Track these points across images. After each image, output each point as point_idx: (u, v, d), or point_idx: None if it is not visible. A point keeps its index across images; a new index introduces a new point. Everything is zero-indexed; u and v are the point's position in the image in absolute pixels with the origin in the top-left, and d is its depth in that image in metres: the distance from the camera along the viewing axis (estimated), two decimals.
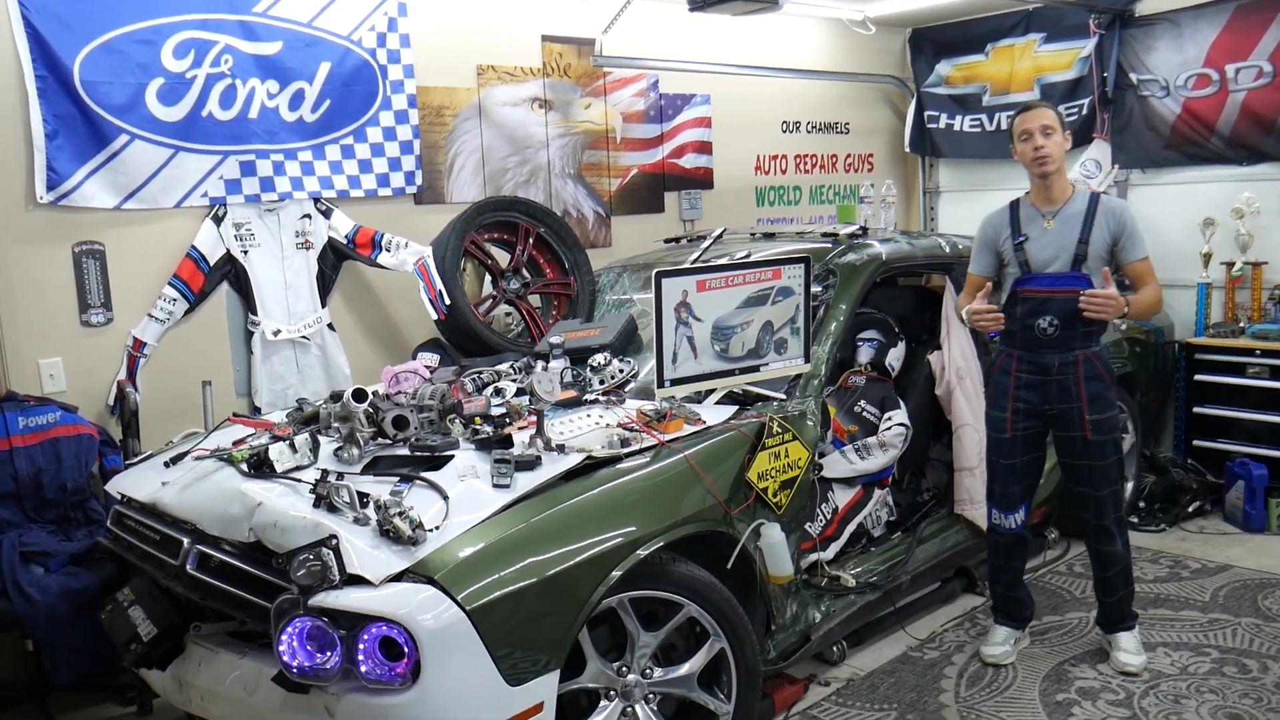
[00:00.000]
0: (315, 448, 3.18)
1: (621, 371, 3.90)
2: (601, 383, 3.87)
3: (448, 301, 4.40)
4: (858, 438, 4.38)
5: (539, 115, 5.60)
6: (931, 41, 7.26)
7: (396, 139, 5.06)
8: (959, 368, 4.57)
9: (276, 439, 3.28)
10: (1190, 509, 5.55)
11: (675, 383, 3.53)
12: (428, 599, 2.51)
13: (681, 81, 6.19)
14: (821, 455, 4.11)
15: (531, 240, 4.83)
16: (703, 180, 6.38)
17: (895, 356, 4.68)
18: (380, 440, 3.22)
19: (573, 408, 3.48)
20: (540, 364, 4.01)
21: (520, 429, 3.29)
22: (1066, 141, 3.74)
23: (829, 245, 4.36)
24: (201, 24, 4.48)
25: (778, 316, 3.72)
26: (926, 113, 7.27)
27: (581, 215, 5.82)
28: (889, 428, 4.40)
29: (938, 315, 4.76)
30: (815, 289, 4.04)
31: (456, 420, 3.32)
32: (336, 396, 3.38)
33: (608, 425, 3.32)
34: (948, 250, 4.69)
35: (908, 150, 7.40)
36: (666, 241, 5.23)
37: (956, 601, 4.55)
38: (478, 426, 3.27)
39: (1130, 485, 5.48)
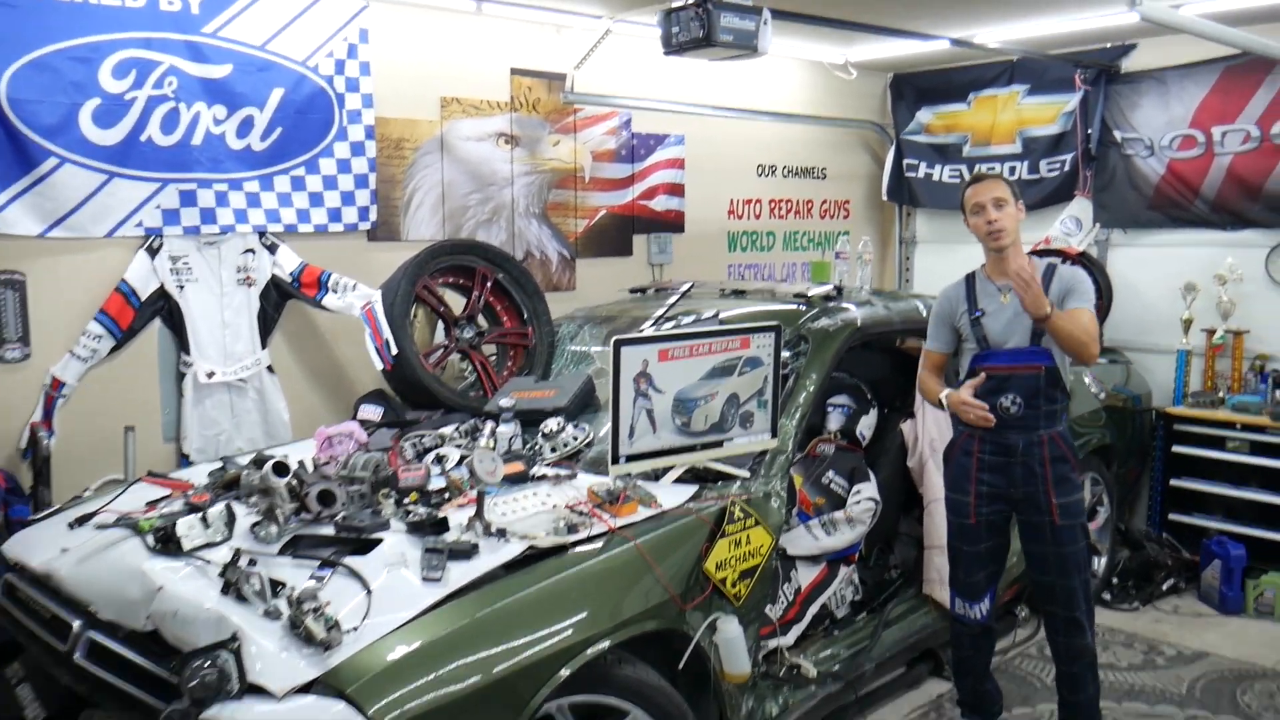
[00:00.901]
0: (230, 521, 2.90)
1: (575, 439, 3.64)
2: (554, 450, 3.61)
3: (394, 351, 4.12)
4: (824, 511, 4.14)
5: (504, 151, 5.34)
6: (913, 88, 7.09)
7: (351, 172, 4.79)
8: (932, 439, 4.34)
9: (191, 508, 3.00)
10: (1165, 587, 5.35)
11: (632, 459, 3.28)
12: (336, 718, 2.23)
13: (655, 121, 5.96)
14: (785, 528, 3.87)
15: (489, 286, 4.56)
16: (674, 223, 6.15)
17: (866, 424, 4.46)
18: (304, 515, 2.93)
19: (519, 484, 3.21)
20: (490, 425, 3.74)
21: (460, 507, 3.02)
22: (1020, 212, 3.57)
23: (801, 308, 4.13)
24: (145, 43, 4.19)
25: (744, 388, 3.47)
26: (906, 160, 7.09)
27: (545, 257, 5.56)
28: (858, 502, 4.16)
29: (912, 380, 4.54)
30: (784, 354, 3.82)
31: (391, 495, 3.04)
32: (260, 462, 3.10)
33: (555, 506, 3.06)
34: (925, 314, 4.46)
35: (885, 198, 7.21)
36: (632, 291, 4.99)
37: (922, 687, 4.30)
38: (411, 505, 2.99)
39: (1104, 560, 5.28)
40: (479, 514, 2.86)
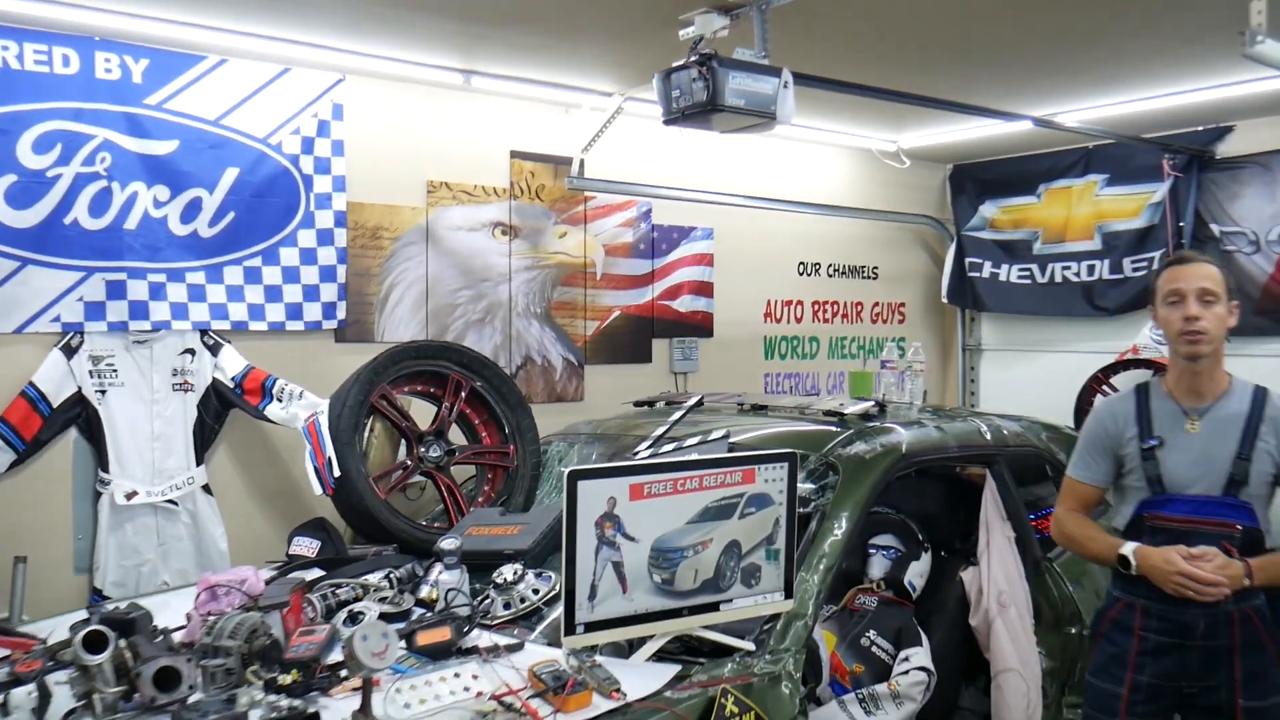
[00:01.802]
0: (43, 705, 2.16)
1: (536, 593, 2.86)
2: (506, 607, 2.83)
3: (337, 472, 3.41)
4: (864, 681, 3.28)
5: (501, 243, 4.71)
6: (975, 180, 6.37)
7: (317, 263, 4.18)
8: (1001, 592, 3.48)
9: (14, 679, 2.29)
10: None
11: (594, 628, 2.48)
12: None
13: (679, 212, 5.30)
14: (811, 706, 3.02)
15: (464, 396, 3.85)
16: (700, 327, 5.43)
17: (917, 572, 3.60)
18: (137, 700, 2.19)
19: (440, 659, 2.43)
20: (439, 569, 2.99)
21: (356, 690, 2.25)
22: (1231, 316, 2.69)
23: (833, 429, 3.34)
24: (75, 114, 3.67)
25: (748, 534, 2.68)
26: (968, 259, 6.32)
27: (548, 363, 4.86)
28: (906, 672, 3.29)
29: (974, 516, 3.68)
30: (806, 488, 3.02)
31: (262, 674, 2.28)
32: (106, 621, 2.37)
33: (478, 695, 2.27)
34: (989, 437, 3.65)
35: (945, 300, 6.43)
36: (637, 405, 4.24)
37: None
38: (287, 686, 2.23)
39: None
40: (364, 709, 2.09)
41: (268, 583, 2.77)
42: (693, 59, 3.18)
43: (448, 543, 2.93)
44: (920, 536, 3.64)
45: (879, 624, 3.43)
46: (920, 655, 3.34)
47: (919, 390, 4.03)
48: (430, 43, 4.02)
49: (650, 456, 3.41)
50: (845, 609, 3.52)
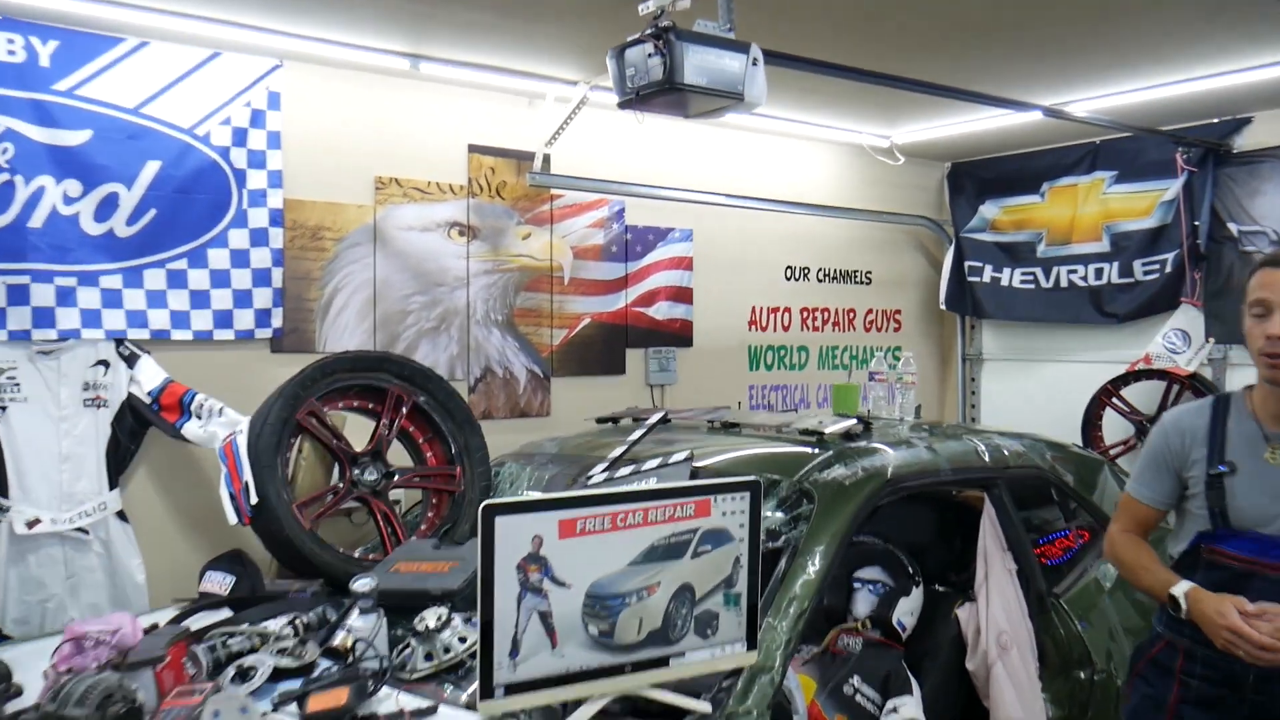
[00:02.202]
0: None
1: (463, 642, 2.48)
2: (428, 659, 2.45)
3: (255, 499, 3.04)
4: None
5: (458, 245, 4.34)
6: (974, 178, 6.00)
7: (249, 266, 3.81)
8: (1001, 631, 3.10)
9: None
10: None
11: (516, 690, 2.10)
12: None
13: (655, 212, 4.93)
14: None
15: (405, 412, 3.48)
16: (679, 335, 5.05)
17: (907, 609, 3.21)
18: None
19: None
20: (357, 613, 2.61)
21: None
22: None
23: (810, 450, 2.96)
24: None
25: (703, 577, 2.29)
26: (967, 263, 5.94)
27: (510, 375, 4.48)
28: None
29: (971, 545, 3.30)
30: (776, 519, 2.65)
31: None
32: None
33: None
34: (987, 458, 3.26)
35: (943, 307, 6.04)
36: (601, 421, 3.86)
37: None
38: None
39: None
40: None
41: (146, 632, 2.39)
42: (648, 33, 2.81)
43: (361, 583, 2.55)
44: (910, 569, 3.26)
45: (864, 669, 3.06)
46: (910, 705, 2.96)
47: (910, 405, 3.65)
48: (373, 23, 3.66)
49: (605, 481, 3.04)
50: (826, 651, 3.15)
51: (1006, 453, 3.33)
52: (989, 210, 5.91)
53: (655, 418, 3.37)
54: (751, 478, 2.33)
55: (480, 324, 4.39)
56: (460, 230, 4.34)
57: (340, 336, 4.03)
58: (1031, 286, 5.72)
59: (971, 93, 3.98)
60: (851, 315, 5.86)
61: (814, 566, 2.60)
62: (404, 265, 4.19)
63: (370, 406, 3.51)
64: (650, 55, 2.83)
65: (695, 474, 2.94)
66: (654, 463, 3.04)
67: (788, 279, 5.55)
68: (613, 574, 2.20)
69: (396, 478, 3.47)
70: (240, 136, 3.78)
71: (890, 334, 6.05)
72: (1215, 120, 4.96)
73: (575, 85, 4.25)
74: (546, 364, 4.60)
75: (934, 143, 5.57)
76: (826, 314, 5.73)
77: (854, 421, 3.14)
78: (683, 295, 5.05)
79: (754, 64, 2.95)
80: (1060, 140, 5.52)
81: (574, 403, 4.63)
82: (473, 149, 4.37)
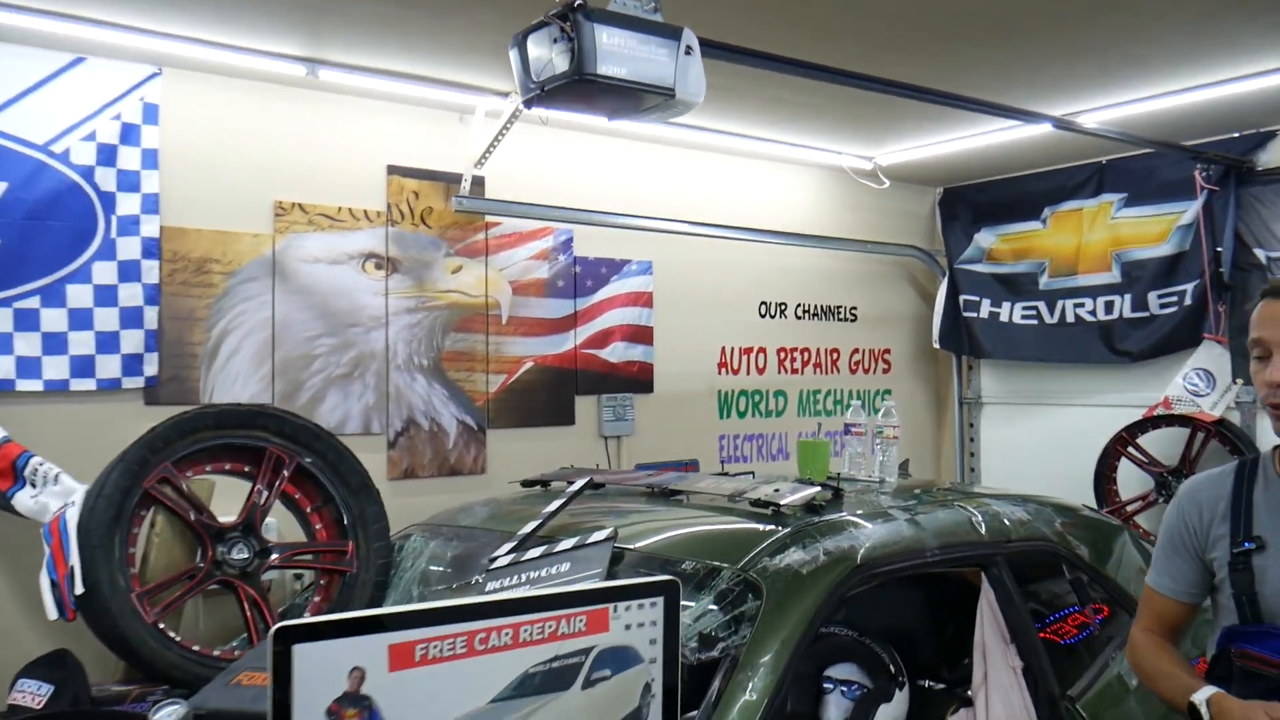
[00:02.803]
0: None
1: None
2: None
3: (80, 588, 2.47)
4: None
5: (374, 279, 3.79)
6: (969, 204, 5.46)
7: (117, 304, 3.26)
8: None
9: None
10: None
11: None
12: None
13: (608, 241, 4.38)
14: None
15: (287, 475, 2.91)
16: (636, 380, 4.48)
17: (890, 716, 2.61)
18: None
19: None
20: None
21: None
22: None
23: (763, 527, 2.38)
24: None
25: (600, 713, 1.71)
26: (963, 297, 5.38)
27: (438, 428, 3.91)
28: None
29: (967, 631, 2.71)
30: (714, 619, 2.08)
31: None
32: None
33: None
34: (983, 531, 2.68)
35: (937, 346, 5.47)
36: (526, 484, 3.27)
37: None
38: None
39: None
40: None
41: None
42: (552, 13, 2.27)
43: (164, 712, 1.96)
44: (892, 667, 2.66)
45: None
46: None
47: (893, 463, 3.07)
48: (264, 22, 3.13)
49: (504, 568, 2.46)
50: None
51: (1007, 522, 2.75)
52: (985, 239, 5.36)
53: (578, 485, 2.78)
54: (665, 578, 1.75)
55: (402, 369, 3.83)
56: (377, 263, 3.79)
57: (231, 385, 3.47)
58: (1034, 322, 5.15)
59: (969, 100, 3.42)
60: (835, 356, 5.29)
61: (759, 683, 2.01)
62: (309, 303, 3.64)
63: (247, 470, 2.95)
64: (556, 40, 2.29)
65: (618, 558, 2.36)
66: (570, 542, 2.46)
67: (762, 316, 4.99)
68: (473, 713, 1.62)
69: (274, 556, 2.90)
70: (108, 154, 3.24)
71: (879, 376, 5.48)
72: (1236, 134, 4.42)
73: (507, 97, 3.72)
74: (481, 414, 4.03)
75: (922, 164, 5.03)
76: (807, 354, 5.17)
77: (817, 489, 2.56)
78: (641, 335, 4.49)
79: (687, 53, 2.41)
80: (1063, 160, 4.98)
81: (514, 458, 4.06)
82: (393, 170, 3.84)
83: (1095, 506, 4.15)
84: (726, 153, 4.74)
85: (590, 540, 2.39)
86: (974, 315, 5.34)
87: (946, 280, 5.43)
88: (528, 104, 2.44)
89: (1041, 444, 5.18)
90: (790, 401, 5.08)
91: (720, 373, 4.82)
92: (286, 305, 3.59)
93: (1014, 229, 5.25)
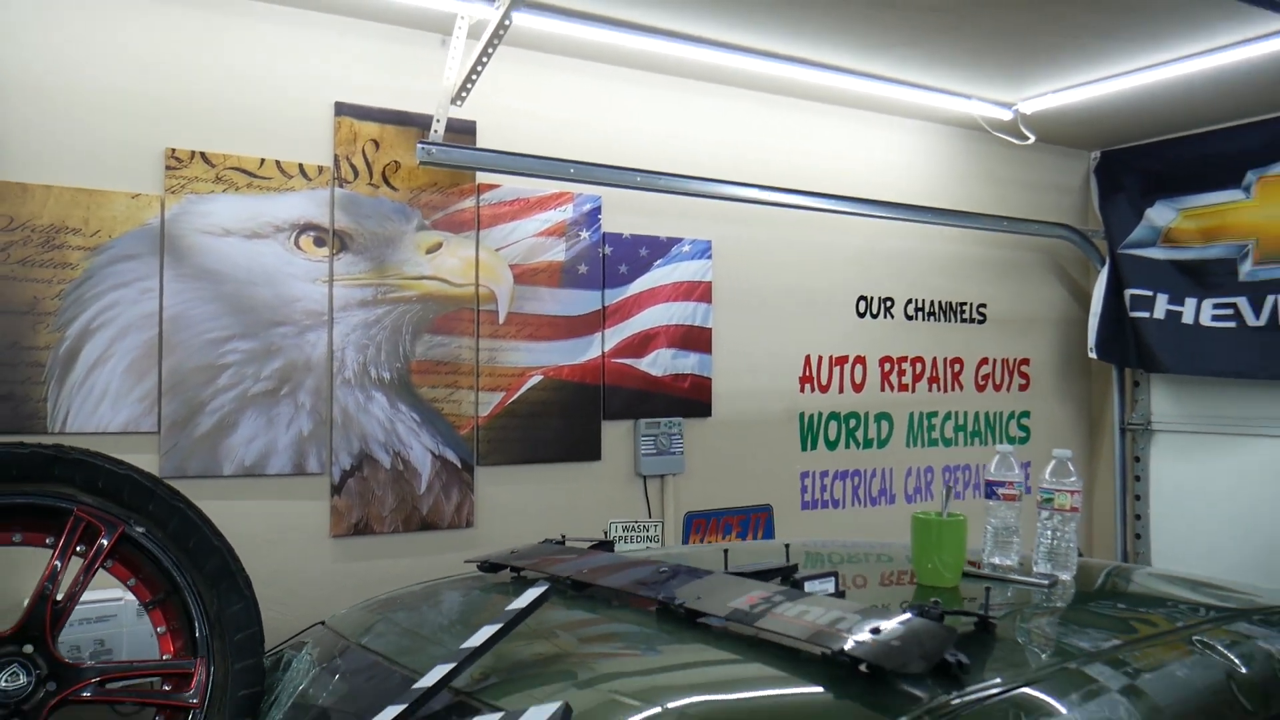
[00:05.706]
0: None
1: None
2: None
3: None
4: None
5: (315, 261, 2.74)
6: (1137, 170, 4.17)
7: None
8: None
9: None
10: None
11: None
12: None
13: (650, 214, 3.26)
14: None
15: (106, 552, 1.86)
16: (688, 400, 3.34)
17: None
18: None
19: None
20: None
21: None
22: None
23: (833, 698, 1.22)
24: None
25: None
26: (1128, 291, 4.09)
27: (404, 465, 2.84)
28: None
29: None
30: None
31: None
32: None
33: None
34: (1248, 699, 1.46)
35: (1093, 355, 4.18)
36: (483, 568, 2.15)
37: None
38: None
39: None
40: None
41: None
42: None
43: None
44: None
45: None
46: None
47: (1070, 551, 1.86)
48: None
49: None
50: None
51: None
52: (1161, 215, 4.06)
53: (533, 596, 1.63)
54: None
55: (352, 385, 2.77)
56: (317, 237, 2.74)
57: (94, 408, 2.46)
58: (1232, 325, 3.84)
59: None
60: (958, 368, 4.06)
61: None
62: (215, 292, 2.60)
63: (48, 542, 1.91)
64: None
65: None
66: (495, 718, 1.33)
67: (861, 315, 3.80)
68: None
69: (72, 683, 1.84)
70: None
71: (1013, 394, 4.22)
72: None
73: (493, 3, 2.63)
74: (467, 447, 2.94)
75: (1076, 114, 3.78)
76: (920, 366, 3.95)
77: (941, 627, 1.37)
78: (695, 339, 3.35)
79: None
80: (1275, 109, 3.67)
81: (513, 507, 2.97)
82: (342, 109, 2.78)
83: None
84: (814, 97, 3.57)
85: (524, 718, 1.25)
86: (1145, 315, 4.04)
87: (1107, 270, 4.13)
88: None
89: (1235, 488, 3.87)
90: (897, 427, 3.86)
91: (804, 390, 3.64)
92: (181, 295, 2.56)
93: (1203, 201, 3.94)
